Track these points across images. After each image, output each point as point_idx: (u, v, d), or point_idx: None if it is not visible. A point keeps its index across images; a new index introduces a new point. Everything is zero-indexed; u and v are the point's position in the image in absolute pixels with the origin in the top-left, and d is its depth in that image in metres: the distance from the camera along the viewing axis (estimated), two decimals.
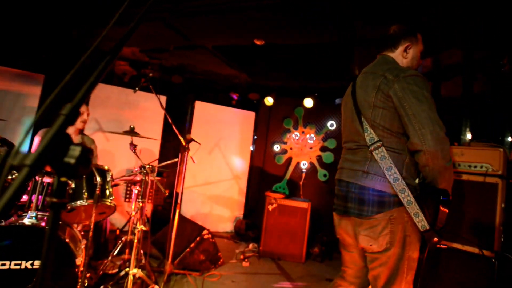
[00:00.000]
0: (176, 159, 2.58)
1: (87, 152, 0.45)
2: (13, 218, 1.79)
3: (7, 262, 1.57)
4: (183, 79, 4.34)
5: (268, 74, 4.21)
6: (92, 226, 1.95)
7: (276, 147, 4.50)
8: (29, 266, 1.61)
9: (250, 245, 3.69)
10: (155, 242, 3.11)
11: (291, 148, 4.44)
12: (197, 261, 2.82)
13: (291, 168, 4.40)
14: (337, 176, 1.44)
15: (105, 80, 3.98)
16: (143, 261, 2.53)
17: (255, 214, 4.51)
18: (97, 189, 2.01)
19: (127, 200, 3.45)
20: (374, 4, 2.20)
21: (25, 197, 1.96)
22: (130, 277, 2.11)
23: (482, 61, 2.86)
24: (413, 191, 1.22)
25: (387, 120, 1.26)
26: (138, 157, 2.46)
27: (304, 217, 3.46)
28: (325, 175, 4.24)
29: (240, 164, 4.71)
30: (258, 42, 3.04)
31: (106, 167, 2.21)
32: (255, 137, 4.79)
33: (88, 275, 2.13)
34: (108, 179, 2.19)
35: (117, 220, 3.84)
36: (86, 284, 1.90)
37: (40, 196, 1.87)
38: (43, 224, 1.72)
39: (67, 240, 1.76)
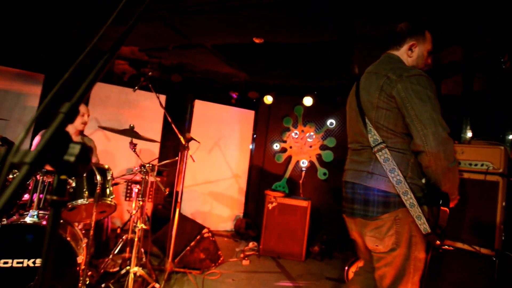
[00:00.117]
0: (176, 158, 2.58)
1: (87, 150, 0.45)
2: (15, 217, 1.80)
3: (10, 260, 1.58)
4: (182, 78, 4.34)
5: (268, 73, 4.21)
6: (93, 225, 1.96)
7: (276, 146, 4.50)
8: (31, 264, 1.62)
9: (250, 244, 3.70)
10: (156, 241, 3.12)
11: (290, 147, 4.44)
12: (198, 260, 2.83)
13: (290, 167, 4.40)
14: (343, 177, 1.44)
15: (104, 79, 3.98)
16: (144, 259, 2.54)
17: (255, 213, 4.52)
18: (98, 188, 2.01)
19: (127, 199, 3.46)
20: (374, 3, 2.19)
21: (26, 196, 1.97)
22: (131, 275, 2.12)
23: (482, 59, 2.85)
24: (419, 191, 1.22)
25: (391, 121, 1.25)
26: (138, 156, 2.47)
27: (304, 215, 3.46)
28: (324, 174, 4.25)
29: (239, 163, 4.71)
30: (257, 41, 3.04)
31: (106, 166, 2.21)
32: (255, 135, 4.79)
33: (89, 273, 2.14)
34: (109, 178, 2.19)
35: (117, 219, 3.85)
36: (87, 282, 1.90)
37: (41, 195, 1.87)
38: (44, 222, 1.73)
39: (68, 238, 1.76)
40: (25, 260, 1.61)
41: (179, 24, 2.87)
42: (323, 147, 4.29)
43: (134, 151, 2.43)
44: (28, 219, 1.71)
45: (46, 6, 2.69)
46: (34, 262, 1.63)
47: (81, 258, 1.80)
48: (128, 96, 4.10)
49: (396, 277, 1.26)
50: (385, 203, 1.24)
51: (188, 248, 2.77)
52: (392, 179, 1.22)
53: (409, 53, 1.36)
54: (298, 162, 4.38)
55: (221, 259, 3.05)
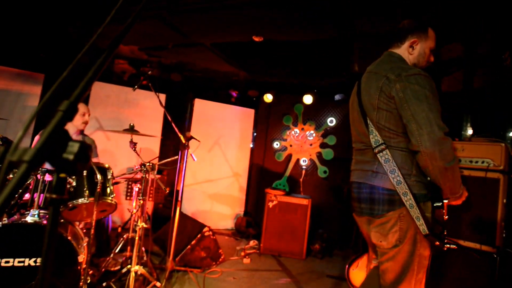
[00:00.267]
0: (176, 157, 2.58)
1: (86, 148, 0.45)
2: (16, 217, 1.81)
3: (11, 260, 1.59)
4: (182, 77, 4.34)
5: (267, 71, 4.20)
6: (93, 224, 1.97)
7: (276, 144, 4.50)
8: (32, 264, 1.63)
9: (251, 242, 3.71)
10: (157, 240, 3.13)
11: (291, 145, 4.44)
12: (198, 258, 2.84)
13: (291, 165, 4.41)
14: (350, 178, 1.46)
15: (104, 78, 3.98)
16: (145, 258, 2.55)
17: (256, 211, 4.53)
18: (98, 187, 2.01)
19: (128, 198, 3.47)
20: (375, 3, 2.18)
21: (27, 196, 1.98)
22: (132, 274, 2.13)
23: (482, 57, 2.84)
24: (423, 188, 1.24)
25: (392, 121, 1.25)
26: (138, 155, 2.47)
27: (305, 213, 3.47)
28: (325, 172, 4.25)
29: (240, 161, 4.71)
30: (257, 39, 3.03)
31: (106, 165, 2.21)
32: (255, 134, 4.79)
33: (90, 272, 2.14)
34: (109, 177, 2.20)
35: (118, 218, 3.86)
36: (88, 281, 1.91)
37: (42, 195, 1.88)
38: (45, 222, 1.74)
39: (69, 237, 1.77)
40: (26, 259, 1.62)
41: (178, 23, 2.86)
42: (323, 145, 4.29)
43: (134, 150, 2.43)
44: (29, 219, 1.72)
45: (46, 6, 2.69)
46: (35, 261, 1.63)
47: (82, 257, 1.81)
48: (128, 95, 4.10)
49: (400, 273, 1.26)
50: (390, 201, 1.24)
51: (189, 246, 2.78)
52: (392, 180, 1.22)
53: (410, 51, 1.35)
54: (298, 160, 4.38)
55: (222, 257, 3.06)
